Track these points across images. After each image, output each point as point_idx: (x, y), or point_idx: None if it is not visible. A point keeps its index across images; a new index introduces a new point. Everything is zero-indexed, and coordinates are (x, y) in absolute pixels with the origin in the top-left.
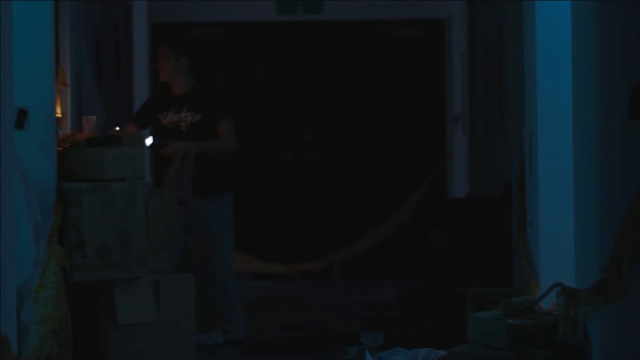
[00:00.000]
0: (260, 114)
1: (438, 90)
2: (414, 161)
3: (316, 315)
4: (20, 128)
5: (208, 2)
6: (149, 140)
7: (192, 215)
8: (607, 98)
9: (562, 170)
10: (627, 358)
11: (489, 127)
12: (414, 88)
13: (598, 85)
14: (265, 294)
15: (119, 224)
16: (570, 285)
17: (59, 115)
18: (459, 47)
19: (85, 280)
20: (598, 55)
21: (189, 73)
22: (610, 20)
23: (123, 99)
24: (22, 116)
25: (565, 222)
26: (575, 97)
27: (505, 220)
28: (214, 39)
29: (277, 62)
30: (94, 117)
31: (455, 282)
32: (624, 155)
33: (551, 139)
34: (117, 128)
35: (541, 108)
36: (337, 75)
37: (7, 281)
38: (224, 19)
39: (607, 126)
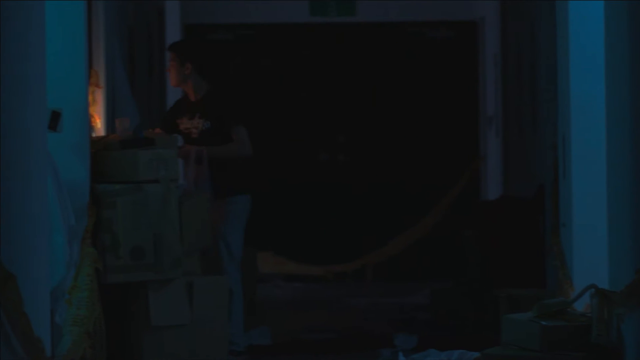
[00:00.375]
0: (293, 116)
1: (471, 91)
2: (447, 163)
3: (349, 317)
4: (53, 130)
5: (241, 4)
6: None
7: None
8: None
9: (595, 172)
10: None
11: (522, 128)
12: (447, 89)
13: (631, 86)
14: (299, 295)
15: (152, 225)
16: (603, 287)
17: (92, 116)
18: (492, 49)
19: (118, 282)
20: (631, 56)
21: (199, 78)
22: None
23: (156, 100)
24: (55, 118)
25: (599, 223)
26: (608, 98)
27: (538, 222)
28: (246, 41)
29: (310, 63)
30: (128, 119)
31: (489, 284)
32: None
33: (584, 140)
34: (150, 130)
35: (574, 109)
36: (370, 77)
37: (40, 283)
38: (257, 20)
39: None
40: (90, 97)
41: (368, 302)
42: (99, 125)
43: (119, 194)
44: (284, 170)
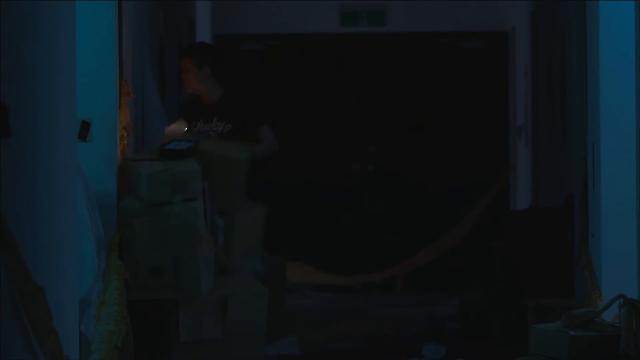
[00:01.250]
0: (323, 126)
1: (501, 101)
2: (476, 172)
3: (378, 326)
4: (83, 139)
5: (271, 14)
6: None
7: None
8: None
9: (625, 182)
10: None
11: (552, 138)
12: (477, 99)
13: None
14: (327, 305)
15: (171, 246)
16: (632, 297)
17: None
18: (522, 59)
19: (138, 298)
20: None
21: (215, 82)
22: None
23: None
24: (85, 128)
25: (628, 233)
26: (638, 109)
27: (567, 232)
28: (276, 51)
29: (340, 74)
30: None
31: (518, 294)
32: None
33: (614, 151)
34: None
35: (604, 120)
36: (400, 87)
37: (69, 297)
38: (287, 30)
39: None
40: (120, 107)
41: (397, 312)
42: (129, 135)
43: (137, 214)
44: (315, 180)
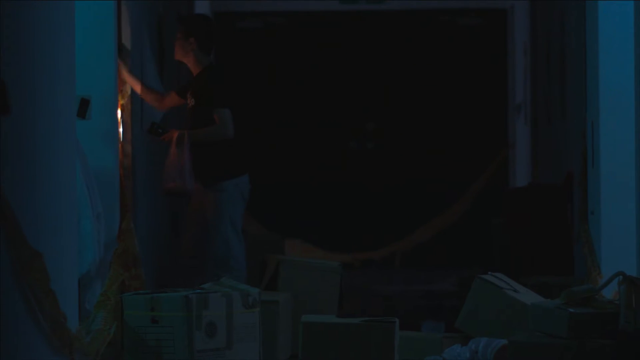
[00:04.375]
0: (322, 104)
1: (500, 79)
2: (475, 150)
3: (377, 304)
4: (82, 117)
5: None
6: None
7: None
8: None
9: (624, 159)
10: None
11: (551, 116)
12: (476, 77)
13: None
14: None
15: None
16: (631, 274)
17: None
18: (521, 37)
19: None
20: None
21: (200, 54)
22: None
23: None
24: (84, 105)
25: (627, 210)
26: (637, 86)
27: (566, 210)
28: (275, 29)
29: (339, 51)
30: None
31: (517, 271)
32: None
33: (613, 128)
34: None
35: (603, 97)
36: (399, 65)
37: (67, 262)
38: (286, 8)
39: None
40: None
41: (395, 290)
42: (128, 113)
43: None
44: (313, 157)
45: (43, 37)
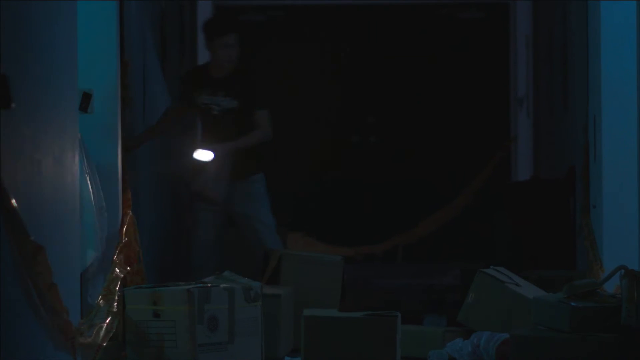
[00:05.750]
0: (324, 97)
1: (502, 72)
2: (477, 144)
3: (379, 297)
4: (84, 111)
5: None
6: (207, 156)
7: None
8: None
9: (627, 153)
10: None
11: (553, 109)
12: (478, 71)
13: None
14: None
15: None
16: (633, 268)
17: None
18: (523, 30)
19: None
20: None
21: None
22: None
23: None
24: (86, 99)
25: (630, 204)
26: (639, 79)
27: (568, 203)
28: (276, 22)
29: (340, 45)
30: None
31: (519, 265)
32: None
33: (615, 122)
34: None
35: (605, 90)
36: (400, 59)
37: (70, 256)
38: (288, 1)
39: None
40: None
41: (398, 283)
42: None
43: None
44: (315, 151)
45: (45, 31)
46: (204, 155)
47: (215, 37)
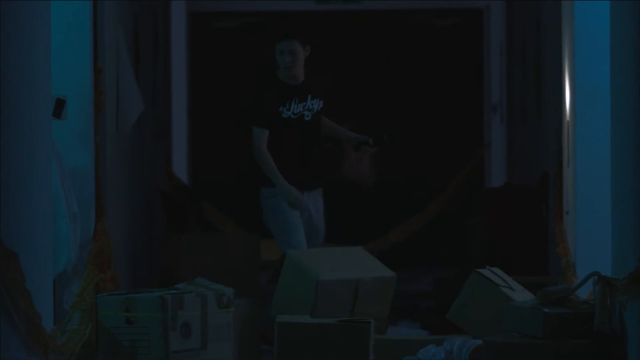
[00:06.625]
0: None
1: (476, 79)
2: (451, 150)
3: None
4: (58, 117)
5: None
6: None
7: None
8: None
9: (599, 160)
10: None
11: (527, 116)
12: (452, 77)
13: (636, 74)
14: None
15: None
16: (606, 275)
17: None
18: (497, 36)
19: None
20: (636, 44)
21: None
22: None
23: (161, 88)
24: (60, 105)
25: (602, 211)
26: (613, 86)
27: (542, 210)
28: (251, 29)
29: (315, 52)
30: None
31: None
32: None
33: (588, 129)
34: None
35: (579, 97)
36: (375, 65)
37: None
38: (263, 8)
39: None
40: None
41: None
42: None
43: None
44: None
45: (18, 37)
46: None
47: (280, 43)
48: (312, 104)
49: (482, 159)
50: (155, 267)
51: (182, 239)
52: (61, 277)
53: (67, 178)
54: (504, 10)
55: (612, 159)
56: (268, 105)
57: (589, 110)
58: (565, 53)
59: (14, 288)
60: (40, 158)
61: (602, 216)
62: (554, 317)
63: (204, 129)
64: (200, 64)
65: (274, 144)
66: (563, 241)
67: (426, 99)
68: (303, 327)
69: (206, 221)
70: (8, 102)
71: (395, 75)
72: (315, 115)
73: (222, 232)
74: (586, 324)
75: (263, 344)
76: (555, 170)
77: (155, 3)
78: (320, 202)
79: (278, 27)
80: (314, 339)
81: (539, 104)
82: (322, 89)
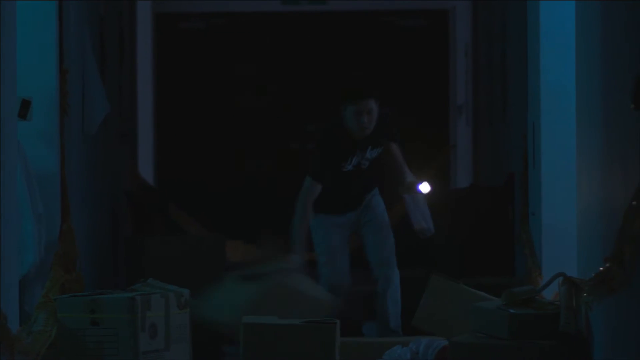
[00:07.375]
0: (263, 105)
1: (442, 80)
2: (417, 151)
3: (316, 305)
4: (23, 118)
5: None
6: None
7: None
8: (611, 88)
9: (565, 161)
10: (629, 348)
11: (493, 117)
12: (418, 78)
13: (601, 76)
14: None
15: None
16: (572, 275)
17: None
18: (463, 38)
19: None
20: (601, 46)
21: None
22: (614, 10)
23: (127, 88)
24: (25, 106)
25: (568, 212)
26: (578, 88)
27: (508, 211)
28: (218, 29)
29: (281, 53)
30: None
31: (459, 272)
32: (626, 145)
33: (554, 130)
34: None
35: (544, 99)
36: (341, 66)
37: (8, 265)
38: (229, 9)
39: (610, 116)
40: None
41: None
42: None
43: None
44: (254, 159)
45: None
46: (425, 187)
47: (355, 103)
48: (372, 154)
49: (448, 160)
50: (121, 268)
51: (148, 240)
52: (24, 279)
53: (33, 179)
54: (470, 12)
55: (577, 160)
56: (331, 164)
57: (554, 111)
58: (531, 54)
59: None
60: (5, 159)
61: (568, 217)
62: (520, 318)
63: (170, 130)
64: (166, 64)
65: (327, 186)
66: (528, 242)
67: (392, 99)
68: (269, 327)
69: (172, 222)
70: None
71: (362, 76)
72: (373, 162)
73: (188, 233)
74: (552, 324)
75: (222, 344)
76: (520, 171)
77: (121, 3)
78: (374, 200)
79: (350, 84)
80: (280, 340)
81: (504, 105)
82: (385, 139)
